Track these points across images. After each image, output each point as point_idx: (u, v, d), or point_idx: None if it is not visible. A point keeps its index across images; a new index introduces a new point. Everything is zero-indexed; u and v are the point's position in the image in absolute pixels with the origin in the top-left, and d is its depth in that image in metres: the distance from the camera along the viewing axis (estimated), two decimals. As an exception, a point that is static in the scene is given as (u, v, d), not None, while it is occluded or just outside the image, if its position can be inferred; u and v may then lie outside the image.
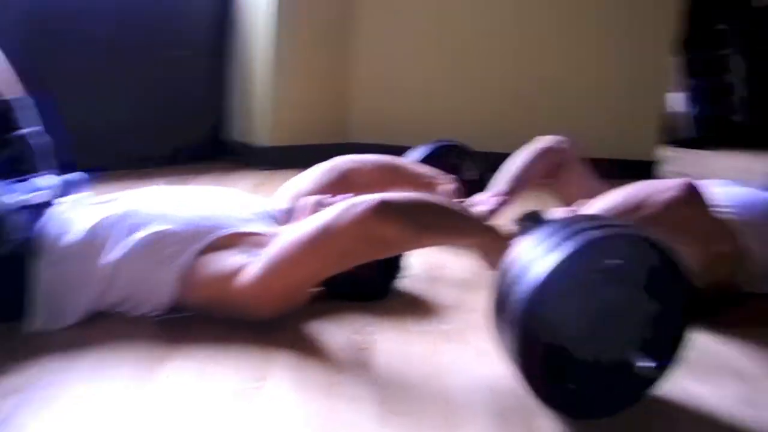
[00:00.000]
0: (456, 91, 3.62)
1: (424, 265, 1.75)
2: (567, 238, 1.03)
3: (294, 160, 3.17)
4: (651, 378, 1.07)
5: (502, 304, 1.07)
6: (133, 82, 2.99)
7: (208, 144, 3.38)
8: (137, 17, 2.98)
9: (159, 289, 1.29)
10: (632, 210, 1.30)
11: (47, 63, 2.62)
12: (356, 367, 1.20)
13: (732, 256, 1.53)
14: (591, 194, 1.76)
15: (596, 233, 1.04)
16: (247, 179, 2.98)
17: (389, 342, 1.31)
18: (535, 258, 1.04)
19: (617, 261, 1.02)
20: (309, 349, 1.26)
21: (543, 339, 1.01)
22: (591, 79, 3.64)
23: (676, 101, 5.04)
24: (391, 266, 1.53)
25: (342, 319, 1.39)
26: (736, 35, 5.15)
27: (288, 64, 3.27)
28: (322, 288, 1.44)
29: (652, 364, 1.04)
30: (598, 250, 1.02)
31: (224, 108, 3.44)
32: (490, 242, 1.36)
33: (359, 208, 1.19)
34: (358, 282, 1.47)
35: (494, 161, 3.42)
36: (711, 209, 1.39)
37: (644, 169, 3.59)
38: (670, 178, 1.66)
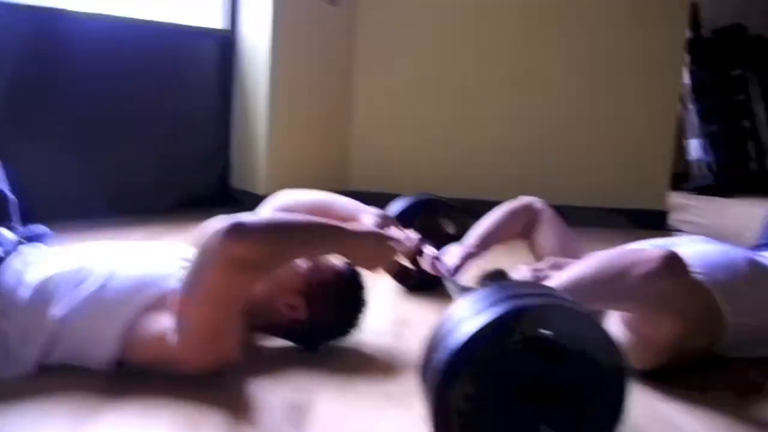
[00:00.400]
0: (458, 142, 3.64)
1: (388, 319, 1.72)
2: (497, 302, 1.01)
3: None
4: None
5: (425, 366, 1.05)
6: (141, 133, 3.10)
7: (215, 192, 3.44)
8: (147, 71, 3.10)
9: (102, 345, 1.30)
10: (607, 281, 1.26)
11: (55, 113, 2.74)
12: (289, 428, 1.18)
13: (710, 322, 1.48)
14: (566, 254, 1.75)
15: (529, 301, 1.01)
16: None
17: (329, 402, 1.28)
18: (462, 320, 1.02)
19: (547, 332, 0.99)
20: (244, 407, 1.24)
21: (456, 406, 0.97)
22: (599, 129, 3.62)
23: (693, 148, 4.96)
24: (350, 314, 1.52)
25: (286, 376, 1.38)
26: (753, 81, 5.08)
27: (283, 115, 3.33)
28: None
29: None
30: (525, 317, 0.99)
31: (230, 157, 3.52)
32: (358, 248, 1.39)
33: (215, 237, 1.20)
34: (320, 330, 1.49)
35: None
36: (692, 280, 1.35)
37: (656, 219, 3.53)
38: (677, 229, 1.65)
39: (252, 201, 3.32)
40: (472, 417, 0.97)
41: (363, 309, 1.54)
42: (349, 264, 1.51)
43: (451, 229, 2.12)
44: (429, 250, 1.69)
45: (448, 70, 3.62)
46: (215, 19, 3.38)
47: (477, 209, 3.37)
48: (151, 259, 1.44)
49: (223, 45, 3.39)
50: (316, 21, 3.43)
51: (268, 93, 3.25)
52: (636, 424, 1.18)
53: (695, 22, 4.85)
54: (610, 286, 1.25)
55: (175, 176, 3.23)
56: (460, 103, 3.63)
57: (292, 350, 1.53)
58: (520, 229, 1.88)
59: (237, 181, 3.50)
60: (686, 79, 4.80)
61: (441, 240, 1.92)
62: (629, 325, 1.41)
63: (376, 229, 1.49)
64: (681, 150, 5.06)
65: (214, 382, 1.29)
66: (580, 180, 3.58)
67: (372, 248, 1.42)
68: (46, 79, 2.74)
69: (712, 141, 4.91)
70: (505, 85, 3.60)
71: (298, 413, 1.23)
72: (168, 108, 3.19)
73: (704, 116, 4.99)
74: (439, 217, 2.15)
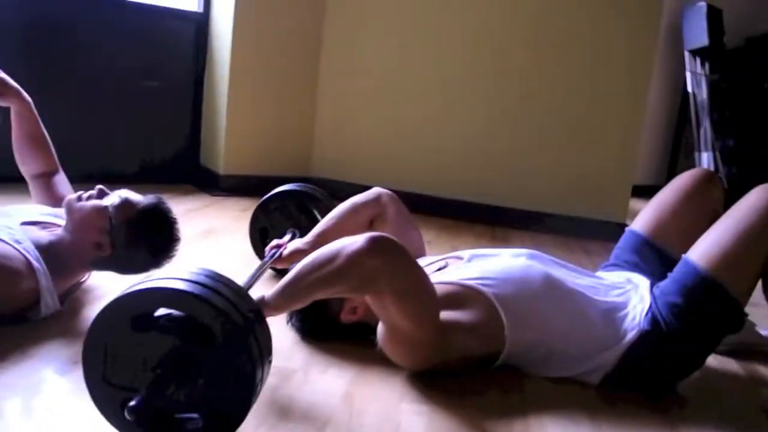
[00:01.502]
0: (424, 135, 3.63)
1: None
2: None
3: (247, 188, 3.33)
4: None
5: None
6: (116, 105, 3.31)
7: (184, 168, 3.60)
8: (126, 49, 3.32)
9: None
10: (322, 265, 1.28)
11: (36, 82, 2.95)
12: None
13: (492, 330, 1.48)
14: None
15: (166, 283, 1.06)
16: (192, 202, 3.15)
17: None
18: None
19: (171, 312, 1.04)
20: None
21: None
22: (564, 133, 3.51)
23: (704, 162, 4.71)
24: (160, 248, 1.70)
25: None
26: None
27: (242, 98, 3.44)
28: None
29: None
30: (141, 297, 1.05)
31: (200, 136, 3.67)
32: None
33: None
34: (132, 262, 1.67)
35: (454, 208, 3.44)
36: (405, 264, 1.33)
37: (615, 230, 3.41)
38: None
39: (213, 179, 3.47)
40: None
41: (172, 239, 1.65)
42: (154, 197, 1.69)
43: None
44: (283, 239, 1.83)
45: (416, 59, 3.61)
46: (192, 2, 3.52)
47: (437, 207, 3.43)
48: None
49: (197, 27, 3.53)
50: (283, 5, 3.50)
51: (228, 75, 3.36)
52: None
53: (718, 29, 4.59)
54: (324, 271, 1.25)
55: (146, 149, 3.42)
56: (428, 94, 3.61)
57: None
58: (365, 223, 1.88)
59: (204, 160, 3.64)
60: (696, 88, 4.56)
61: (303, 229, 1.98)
62: (381, 323, 1.43)
63: None
64: (691, 163, 4.82)
65: None
66: (540, 184, 3.50)
67: None
68: (24, 53, 2.97)
69: (726, 155, 4.65)
70: (474, 76, 3.54)
71: None
72: (144, 85, 3.39)
73: (721, 129, 4.74)
74: (310, 206, 2.18)
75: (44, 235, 1.65)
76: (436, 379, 1.46)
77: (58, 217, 1.76)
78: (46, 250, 1.59)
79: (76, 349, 1.43)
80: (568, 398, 1.47)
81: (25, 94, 1.84)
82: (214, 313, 1.02)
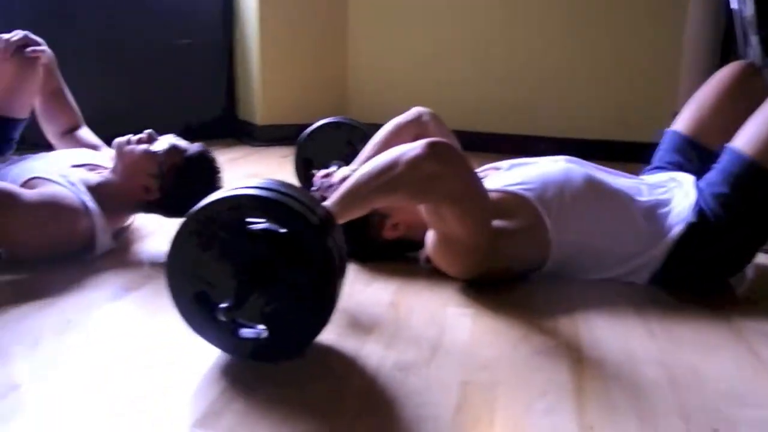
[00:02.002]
0: (458, 68, 3.57)
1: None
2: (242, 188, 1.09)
3: (284, 137, 3.36)
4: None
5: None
6: (149, 64, 3.35)
7: (217, 122, 3.64)
8: (153, 7, 3.35)
9: None
10: (381, 173, 1.27)
11: (70, 39, 3.03)
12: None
13: (535, 235, 1.47)
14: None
15: (250, 191, 1.08)
16: (234, 153, 3.20)
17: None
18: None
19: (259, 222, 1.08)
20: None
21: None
22: (600, 57, 3.41)
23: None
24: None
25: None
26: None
27: (272, 47, 3.43)
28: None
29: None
30: (225, 205, 1.07)
31: (235, 90, 3.69)
32: None
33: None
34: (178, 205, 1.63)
35: (491, 141, 3.40)
36: (463, 168, 1.33)
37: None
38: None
39: (251, 131, 3.50)
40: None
41: (216, 186, 1.67)
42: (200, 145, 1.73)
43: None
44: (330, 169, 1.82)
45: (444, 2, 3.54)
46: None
47: (479, 142, 3.38)
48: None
49: (225, -20, 3.53)
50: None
51: (257, 27, 3.36)
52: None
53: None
54: (384, 178, 1.26)
55: (183, 107, 3.46)
56: (464, 27, 3.53)
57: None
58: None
59: (241, 113, 3.67)
60: (741, 4, 4.36)
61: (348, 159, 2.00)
62: (434, 231, 1.44)
63: None
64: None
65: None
66: (579, 111, 3.42)
67: None
68: (62, 7, 3.03)
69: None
70: (503, 8, 3.46)
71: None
72: (177, 43, 3.41)
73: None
74: (352, 137, 2.19)
75: (94, 177, 1.71)
76: (481, 287, 1.47)
77: (99, 162, 1.81)
78: (96, 191, 1.65)
79: (128, 279, 1.50)
80: (616, 295, 1.46)
81: (49, 50, 1.88)
82: (297, 218, 1.05)
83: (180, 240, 1.08)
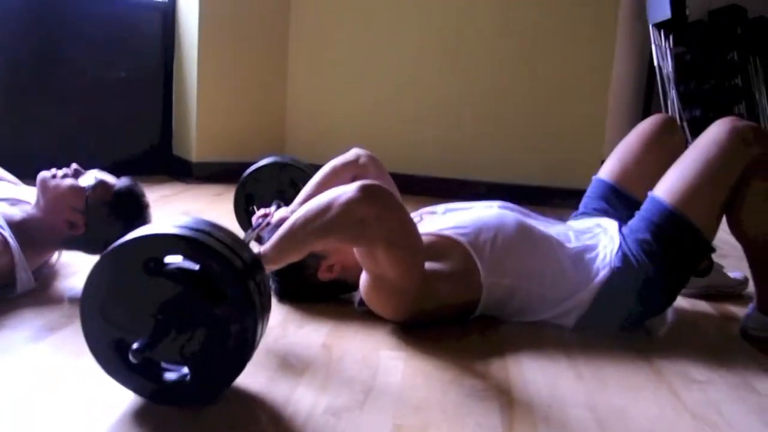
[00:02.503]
0: (394, 115, 3.64)
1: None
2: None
3: (219, 175, 3.32)
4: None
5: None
6: (83, 97, 3.27)
7: (150, 157, 3.57)
8: (94, 38, 3.29)
9: None
10: (316, 216, 1.28)
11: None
12: None
13: (469, 278, 1.49)
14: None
15: (170, 230, 1.06)
16: (166, 189, 3.14)
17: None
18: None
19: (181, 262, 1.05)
20: None
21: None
22: (534, 104, 3.55)
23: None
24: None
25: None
26: (754, 65, 4.87)
27: (211, 84, 3.42)
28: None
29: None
30: (154, 241, 1.05)
31: (171, 125, 3.64)
32: None
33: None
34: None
35: (427, 186, 3.46)
36: (396, 211, 1.34)
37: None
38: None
39: (185, 168, 3.44)
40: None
41: (144, 222, 1.63)
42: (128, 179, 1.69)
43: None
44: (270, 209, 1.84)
45: (384, 39, 3.62)
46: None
47: (412, 185, 3.44)
48: None
49: (164, 16, 3.50)
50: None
51: (196, 63, 3.35)
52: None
53: (680, 3, 4.66)
54: (318, 222, 1.26)
55: (117, 141, 3.38)
56: (397, 73, 3.62)
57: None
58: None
59: (176, 148, 3.62)
60: (662, 61, 4.63)
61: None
62: (366, 273, 1.44)
63: None
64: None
65: None
66: (513, 156, 3.53)
67: None
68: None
69: (693, 126, 4.72)
70: (441, 56, 3.57)
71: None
72: (113, 76, 3.35)
73: (687, 101, 4.81)
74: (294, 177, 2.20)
75: (15, 212, 1.64)
76: (413, 330, 1.48)
77: (20, 197, 1.74)
78: (17, 226, 1.58)
79: (49, 319, 1.43)
80: (545, 338, 1.49)
81: None
82: (218, 259, 1.03)
83: (93, 284, 1.04)
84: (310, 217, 1.28)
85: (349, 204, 1.27)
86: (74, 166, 1.68)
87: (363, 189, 1.28)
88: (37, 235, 1.62)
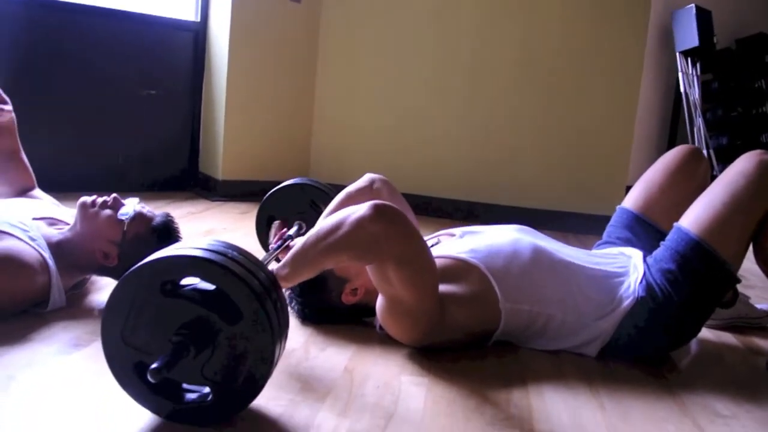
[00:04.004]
0: (420, 139, 3.67)
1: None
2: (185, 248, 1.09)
3: (244, 194, 3.37)
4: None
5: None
6: (115, 116, 3.36)
7: (184, 176, 3.64)
8: (125, 59, 3.38)
9: None
10: (334, 230, 1.30)
11: (36, 94, 3.01)
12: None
13: (486, 304, 1.49)
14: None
15: (190, 252, 1.08)
16: (192, 206, 3.18)
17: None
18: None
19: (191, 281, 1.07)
20: None
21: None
22: (556, 131, 3.55)
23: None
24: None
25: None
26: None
27: (238, 104, 3.48)
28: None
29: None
30: (164, 266, 1.07)
31: (199, 144, 3.71)
32: None
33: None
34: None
35: (451, 208, 3.48)
36: (407, 230, 1.35)
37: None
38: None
39: (212, 186, 3.50)
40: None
41: None
42: (165, 215, 1.70)
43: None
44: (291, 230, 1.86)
45: (412, 60, 3.66)
46: (189, 12, 3.58)
47: (433, 207, 3.46)
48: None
49: (195, 36, 3.58)
50: (278, 14, 3.56)
51: (225, 83, 3.41)
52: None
53: (708, 31, 4.65)
54: (330, 239, 1.27)
55: (146, 158, 3.46)
56: (422, 100, 3.66)
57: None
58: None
59: (203, 166, 3.67)
60: (688, 88, 4.61)
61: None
62: (382, 295, 1.44)
63: None
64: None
65: None
66: (536, 181, 3.53)
67: None
68: (27, 63, 3.02)
69: (719, 154, 4.69)
70: (464, 82, 3.59)
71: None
72: (144, 94, 3.44)
73: (714, 128, 4.78)
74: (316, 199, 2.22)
75: (54, 233, 1.67)
76: (434, 354, 1.48)
77: (60, 217, 1.77)
78: (54, 247, 1.61)
79: (76, 334, 1.46)
80: (566, 368, 1.48)
81: (12, 112, 1.85)
82: (234, 278, 1.04)
83: (113, 307, 1.06)
84: (321, 235, 1.30)
85: (360, 221, 1.28)
86: (114, 195, 1.70)
87: (374, 207, 1.29)
88: (71, 258, 1.64)
